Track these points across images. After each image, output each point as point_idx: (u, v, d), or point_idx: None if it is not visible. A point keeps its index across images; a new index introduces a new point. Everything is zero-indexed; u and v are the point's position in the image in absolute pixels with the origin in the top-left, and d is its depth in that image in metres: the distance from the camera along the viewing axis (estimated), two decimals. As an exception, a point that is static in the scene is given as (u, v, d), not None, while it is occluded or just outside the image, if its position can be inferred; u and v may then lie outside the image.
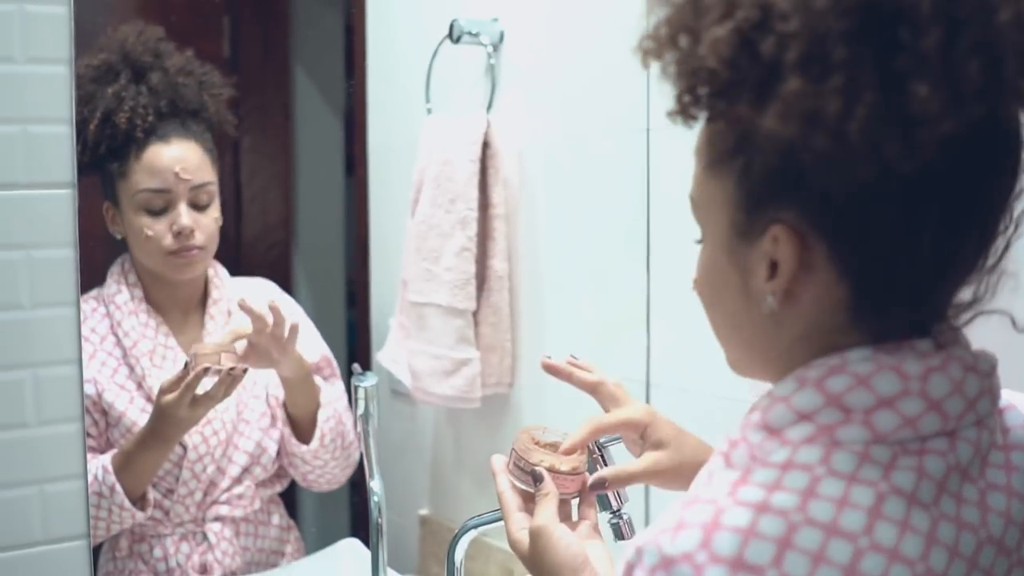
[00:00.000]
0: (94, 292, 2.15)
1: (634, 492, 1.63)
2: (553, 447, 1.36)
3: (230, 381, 2.01)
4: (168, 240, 2.09)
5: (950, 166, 0.84)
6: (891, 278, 0.88)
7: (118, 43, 2.13)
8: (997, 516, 0.90)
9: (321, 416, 2.18)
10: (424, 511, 2.58)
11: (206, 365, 1.98)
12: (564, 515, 1.29)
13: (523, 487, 1.32)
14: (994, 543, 0.89)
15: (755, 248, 0.91)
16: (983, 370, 0.91)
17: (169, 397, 1.97)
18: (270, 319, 2.04)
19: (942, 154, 0.81)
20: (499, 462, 1.35)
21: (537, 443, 1.36)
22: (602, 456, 1.63)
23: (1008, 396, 0.99)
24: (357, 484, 2.81)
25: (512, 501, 1.31)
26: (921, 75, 0.79)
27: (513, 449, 1.35)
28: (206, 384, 1.99)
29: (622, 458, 1.62)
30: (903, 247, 0.87)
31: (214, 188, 2.16)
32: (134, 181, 2.09)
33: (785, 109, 0.82)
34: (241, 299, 2.06)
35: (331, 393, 2.22)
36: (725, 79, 0.85)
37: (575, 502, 1.35)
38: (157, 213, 2.09)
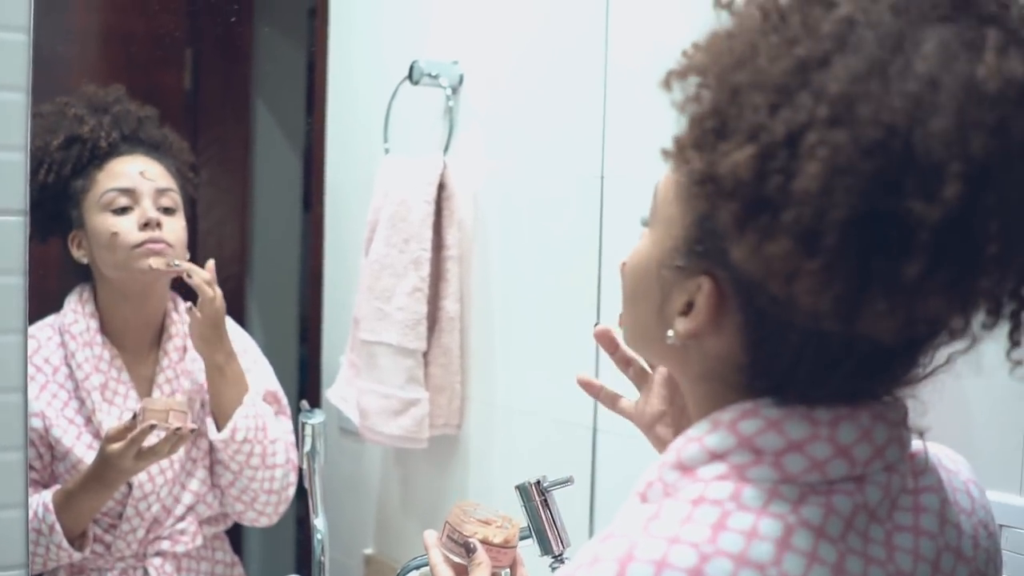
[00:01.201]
0: (50, 320, 2.14)
1: (577, 537, 1.63)
2: (486, 522, 1.38)
3: (176, 440, 2.00)
4: (135, 234, 2.08)
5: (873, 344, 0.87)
6: (789, 378, 0.92)
7: (80, 91, 2.15)
8: (905, 553, 0.93)
9: (239, 412, 2.12)
10: (369, 550, 2.57)
11: (152, 423, 1.97)
12: None
13: (456, 559, 1.34)
14: None
15: (681, 280, 0.94)
16: (892, 419, 0.94)
17: (115, 447, 1.96)
18: (211, 293, 2.08)
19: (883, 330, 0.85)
20: (432, 536, 1.37)
21: (470, 517, 1.38)
22: (546, 500, 1.63)
23: (920, 445, 1.01)
24: (302, 521, 2.80)
25: (445, 574, 1.33)
26: (886, 291, 0.82)
27: (447, 522, 1.37)
28: (152, 439, 1.99)
29: (565, 505, 1.63)
30: (809, 366, 0.90)
31: (179, 198, 2.16)
32: (99, 186, 2.09)
33: (757, 251, 0.84)
34: (189, 267, 2.08)
35: (277, 427, 2.21)
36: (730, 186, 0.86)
37: (506, 575, 1.37)
38: (122, 211, 2.09)
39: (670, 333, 0.96)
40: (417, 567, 1.60)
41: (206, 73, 2.76)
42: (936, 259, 0.81)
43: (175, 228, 2.13)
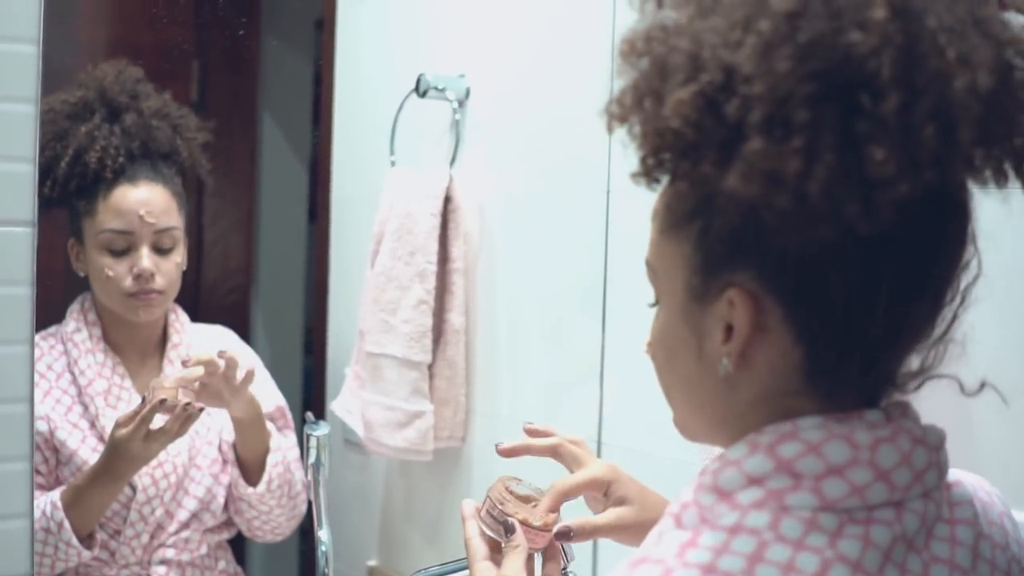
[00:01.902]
0: (52, 329, 2.15)
1: (581, 550, 1.63)
2: (526, 500, 1.36)
3: (185, 418, 1.99)
4: (128, 282, 2.09)
5: (906, 231, 0.85)
6: (845, 342, 0.89)
7: (96, 80, 2.15)
8: None
9: (270, 461, 2.17)
10: (372, 562, 2.57)
11: (163, 397, 1.96)
12: (529, 570, 1.29)
13: (492, 535, 1.32)
14: None
15: (711, 311, 0.92)
16: (932, 443, 0.93)
17: (123, 431, 1.96)
18: (220, 364, 2.03)
19: (899, 218, 0.83)
20: (470, 507, 1.34)
21: (512, 493, 1.37)
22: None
23: (956, 474, 1.01)
24: (306, 532, 2.80)
25: (479, 549, 1.30)
26: (879, 139, 0.80)
27: (488, 497, 1.35)
28: (160, 421, 1.98)
29: (572, 517, 1.63)
30: (857, 312, 0.88)
31: (179, 233, 2.16)
32: (99, 220, 2.09)
33: (747, 169, 0.83)
34: (186, 355, 2.06)
35: (282, 442, 2.22)
36: (689, 140, 0.86)
37: (539, 557, 1.36)
38: (119, 254, 2.10)
39: (724, 362, 0.92)
40: (422, 579, 1.59)
41: (213, 85, 2.77)
42: (910, 95, 0.81)
43: (168, 271, 2.14)
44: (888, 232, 0.84)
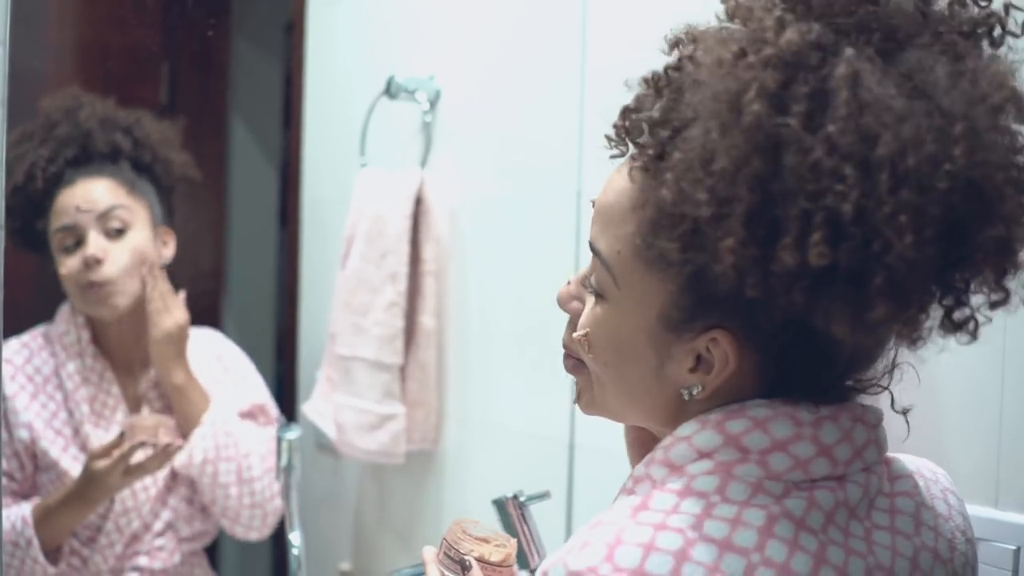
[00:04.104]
0: (42, 329, 2.15)
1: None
2: (484, 540, 1.37)
3: (164, 456, 2.01)
4: (81, 275, 2.08)
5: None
6: (805, 378, 0.97)
7: (40, 112, 2.14)
8: (884, 549, 0.96)
9: (196, 434, 2.10)
10: (345, 565, 2.56)
11: (142, 439, 1.97)
12: None
13: None
14: (884, 570, 0.95)
15: (683, 341, 0.97)
16: (870, 421, 0.99)
17: (101, 464, 1.96)
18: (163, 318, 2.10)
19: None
20: (430, 552, 1.36)
21: (468, 534, 1.37)
22: (523, 515, 1.63)
23: (899, 455, 1.07)
24: (279, 537, 2.79)
25: None
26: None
27: (444, 539, 1.36)
28: (139, 455, 1.98)
29: (542, 520, 1.63)
30: (821, 357, 0.95)
31: (126, 214, 2.13)
32: (51, 225, 2.10)
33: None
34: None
35: (252, 440, 2.19)
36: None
37: None
38: (71, 251, 2.09)
39: (693, 391, 0.98)
40: (396, 582, 1.59)
41: (182, 87, 2.76)
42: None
43: (119, 258, 2.11)
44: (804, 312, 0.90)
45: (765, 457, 0.94)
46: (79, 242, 2.08)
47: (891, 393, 1.04)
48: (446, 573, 1.34)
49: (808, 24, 0.90)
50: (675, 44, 0.99)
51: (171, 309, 2.09)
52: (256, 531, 2.20)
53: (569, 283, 1.11)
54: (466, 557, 1.31)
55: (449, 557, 1.34)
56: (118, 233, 2.11)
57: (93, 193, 2.11)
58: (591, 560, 0.88)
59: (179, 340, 2.11)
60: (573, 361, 1.10)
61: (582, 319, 1.06)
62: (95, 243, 2.08)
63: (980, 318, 0.94)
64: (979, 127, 0.87)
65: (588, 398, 1.10)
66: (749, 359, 0.96)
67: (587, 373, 1.08)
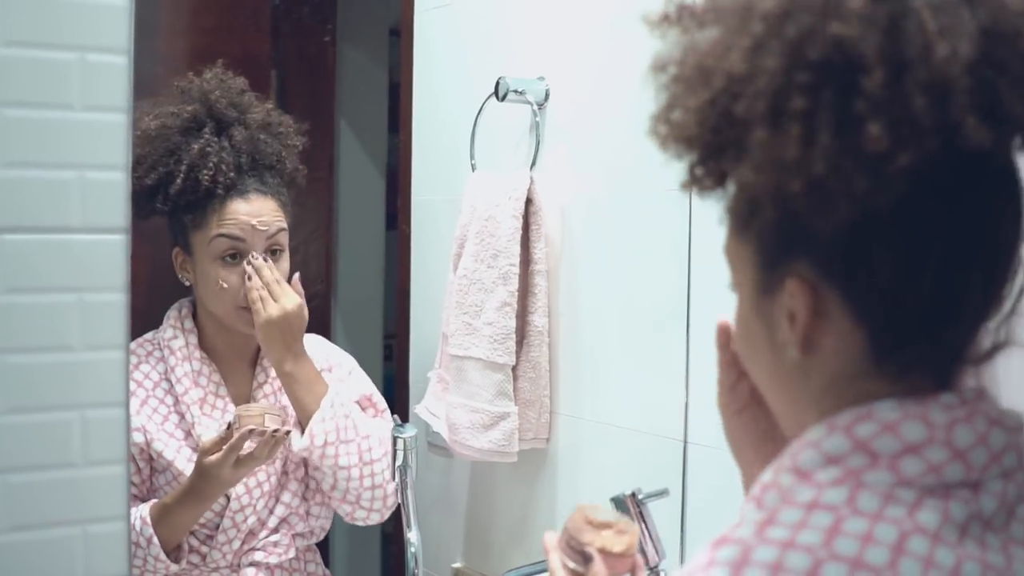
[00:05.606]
0: (150, 335, 2.18)
1: (669, 549, 1.64)
2: (606, 526, 1.36)
3: (274, 443, 2.03)
4: (242, 294, 2.12)
5: (934, 203, 0.88)
6: (903, 321, 0.91)
7: (202, 92, 2.16)
8: (1022, 564, 0.91)
9: (315, 418, 2.12)
10: (457, 564, 2.58)
11: (250, 427, 1.99)
12: None
13: (574, 566, 1.33)
14: None
15: (776, 302, 0.95)
16: (1009, 425, 0.94)
17: (212, 458, 1.99)
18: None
19: (915, 189, 0.86)
20: (551, 539, 1.36)
21: (590, 522, 1.37)
22: (641, 512, 1.64)
23: None
24: (389, 535, 2.82)
25: None
26: (872, 115, 0.83)
27: (566, 527, 1.36)
28: (249, 445, 2.01)
29: (660, 515, 1.64)
30: (908, 288, 0.90)
31: (284, 238, 2.19)
32: (212, 231, 2.11)
33: (756, 159, 0.87)
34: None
35: (371, 423, 2.21)
36: (708, 143, 0.92)
37: None
38: (229, 263, 2.12)
39: (789, 349, 0.95)
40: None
41: (290, 94, 2.81)
42: (896, 70, 0.84)
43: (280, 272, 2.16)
44: (914, 205, 0.87)
45: (896, 462, 0.90)
46: (239, 255, 2.12)
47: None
48: (568, 562, 1.34)
49: None
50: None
51: (277, 297, 2.11)
52: (378, 513, 2.21)
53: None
54: (587, 548, 1.31)
55: (570, 547, 1.34)
56: (274, 254, 2.16)
57: (266, 213, 2.15)
58: None
59: (284, 328, 2.11)
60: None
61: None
62: (268, 271, 2.12)
63: None
64: None
65: (774, 415, 1.08)
66: (831, 301, 0.92)
67: None
